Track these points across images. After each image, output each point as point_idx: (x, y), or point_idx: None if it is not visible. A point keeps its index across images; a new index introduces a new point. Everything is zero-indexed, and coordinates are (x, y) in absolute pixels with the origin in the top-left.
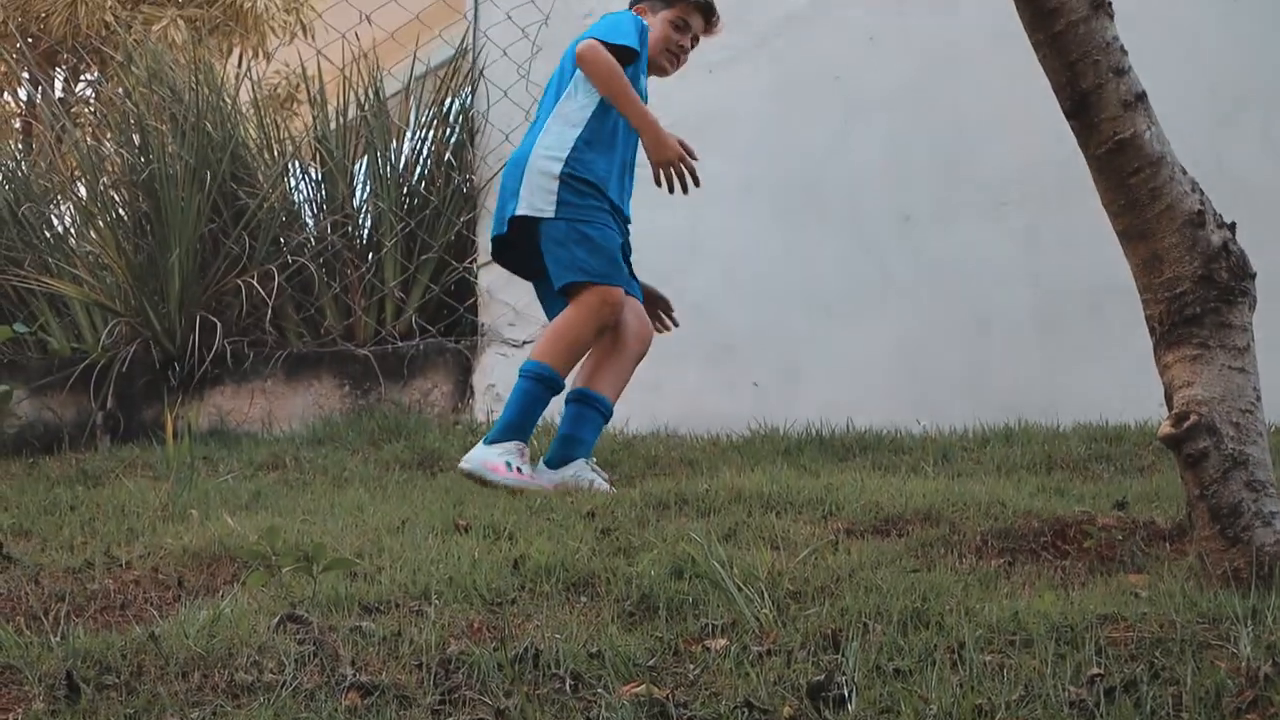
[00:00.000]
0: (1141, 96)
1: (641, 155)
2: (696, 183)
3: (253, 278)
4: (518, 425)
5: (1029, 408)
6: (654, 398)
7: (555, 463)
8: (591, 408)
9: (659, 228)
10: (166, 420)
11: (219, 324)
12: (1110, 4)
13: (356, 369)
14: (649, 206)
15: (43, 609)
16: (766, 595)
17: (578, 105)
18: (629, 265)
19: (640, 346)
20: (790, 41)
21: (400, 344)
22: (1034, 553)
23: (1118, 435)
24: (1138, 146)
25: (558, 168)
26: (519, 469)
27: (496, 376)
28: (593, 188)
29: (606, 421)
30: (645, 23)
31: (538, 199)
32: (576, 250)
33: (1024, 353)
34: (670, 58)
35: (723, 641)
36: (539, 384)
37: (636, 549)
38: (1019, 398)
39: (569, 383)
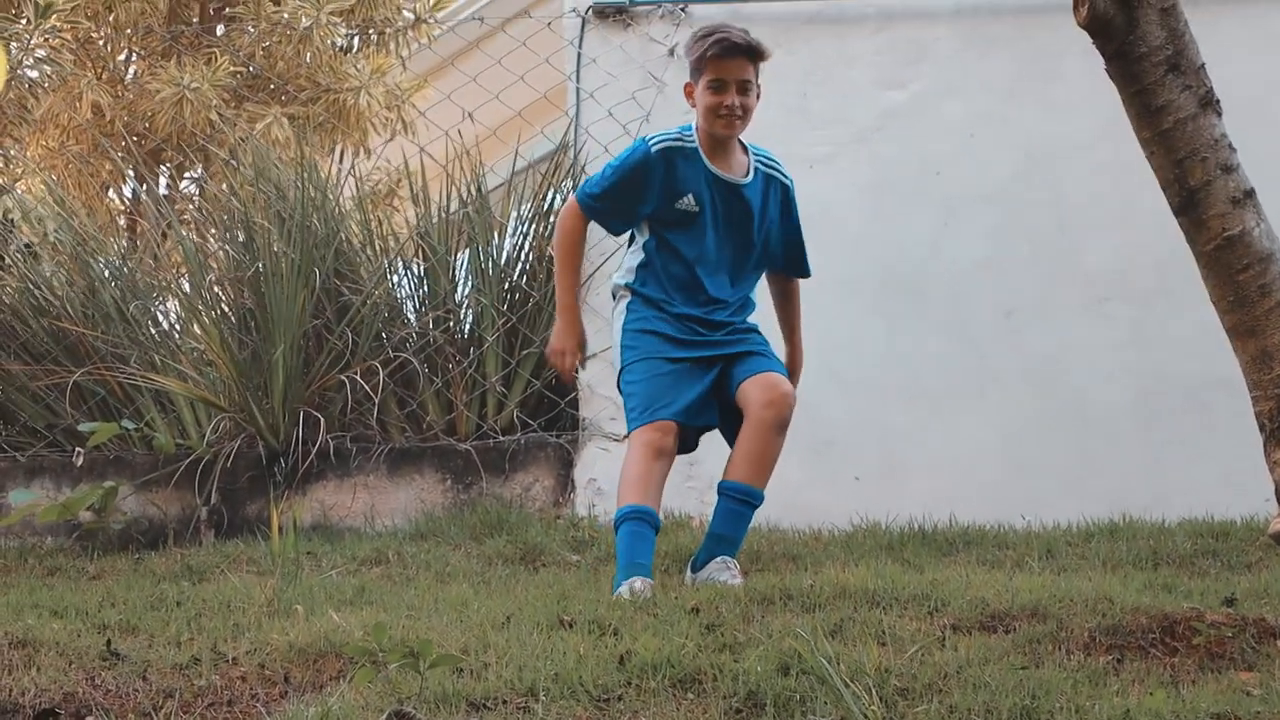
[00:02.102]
0: (1250, 193)
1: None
2: (568, 380)
3: (356, 373)
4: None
5: (1133, 503)
6: None
7: (698, 564)
8: (724, 498)
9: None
10: (271, 515)
11: (322, 419)
12: (1218, 101)
13: (458, 463)
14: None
15: (152, 705)
16: (874, 692)
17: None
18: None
19: (769, 412)
20: (890, 137)
21: (502, 438)
22: (1143, 649)
23: (1224, 531)
24: (1247, 243)
25: (617, 281)
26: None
27: (598, 471)
28: (660, 285)
29: (750, 507)
30: (648, 145)
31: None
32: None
33: (1127, 447)
34: (721, 123)
35: None
36: (620, 523)
37: (742, 645)
38: (1123, 492)
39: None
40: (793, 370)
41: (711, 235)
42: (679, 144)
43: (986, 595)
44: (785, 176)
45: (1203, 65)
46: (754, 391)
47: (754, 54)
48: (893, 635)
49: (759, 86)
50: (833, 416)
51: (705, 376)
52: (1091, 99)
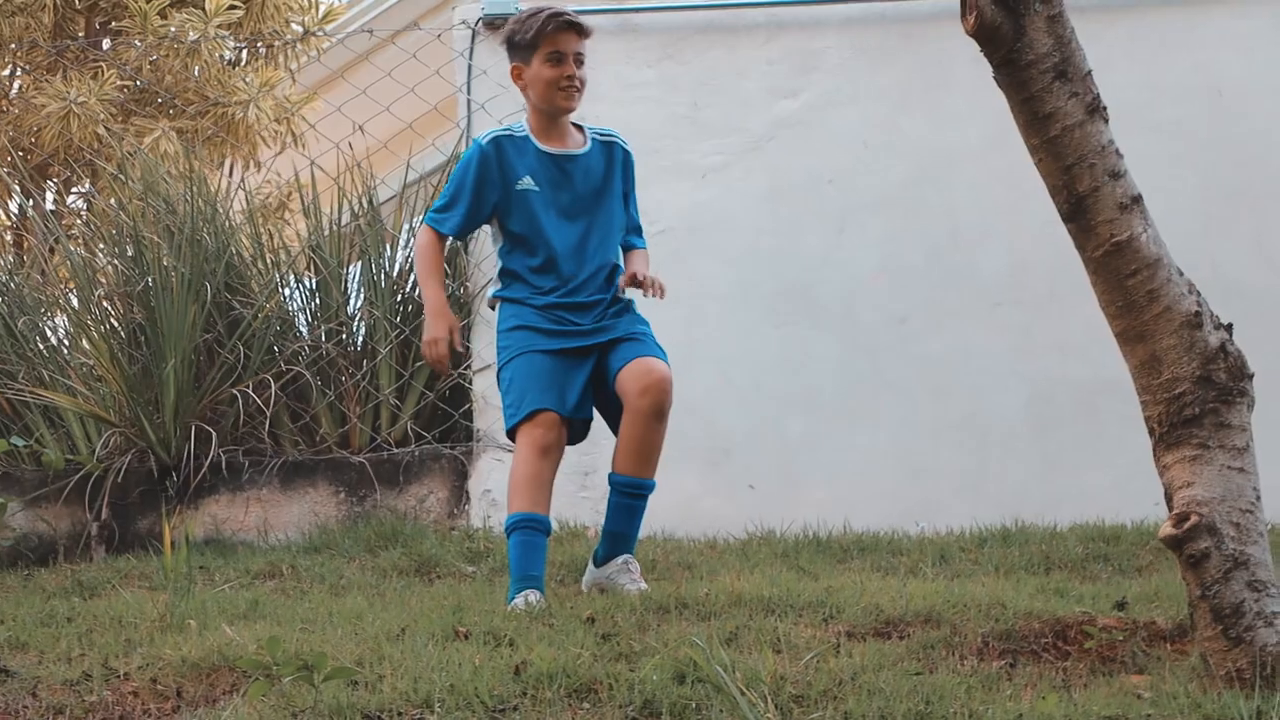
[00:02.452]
0: (1137, 199)
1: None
2: (444, 372)
3: (248, 387)
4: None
5: (1026, 508)
6: (650, 500)
7: (598, 559)
8: (614, 492)
9: (654, 329)
10: (164, 530)
11: (214, 434)
12: (1105, 108)
13: (352, 476)
14: (644, 308)
15: None
16: (770, 700)
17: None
18: (614, 320)
19: (644, 400)
20: (783, 146)
21: (396, 450)
22: (1035, 654)
23: (1115, 535)
24: (1135, 249)
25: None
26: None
27: (492, 482)
28: (521, 281)
29: (641, 498)
30: (478, 141)
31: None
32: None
33: (1020, 453)
34: (562, 95)
35: None
36: (511, 531)
37: (638, 654)
38: (1016, 498)
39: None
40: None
41: (555, 211)
42: (507, 133)
43: (881, 602)
44: (624, 143)
45: (1089, 72)
46: (629, 381)
47: (585, 30)
48: (788, 643)
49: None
50: (728, 425)
51: (583, 366)
52: (981, 107)
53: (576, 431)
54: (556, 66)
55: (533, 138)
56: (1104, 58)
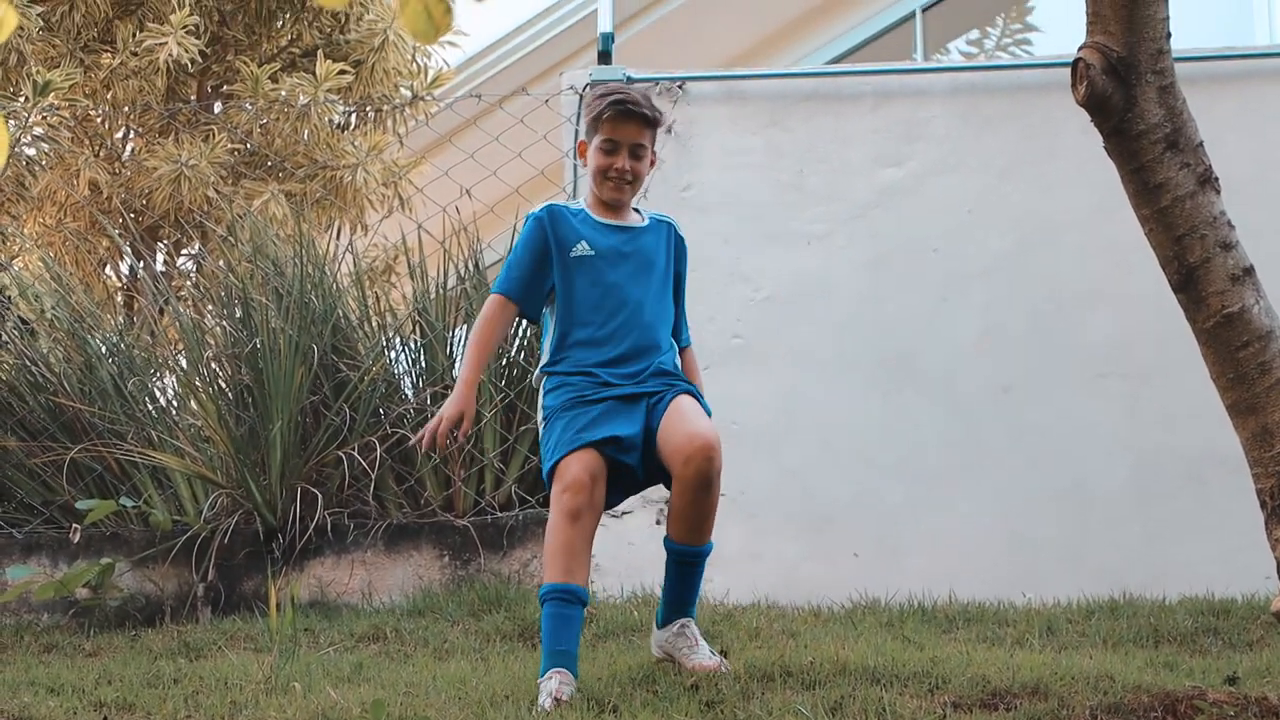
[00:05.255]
0: (1249, 270)
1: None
2: (436, 448)
3: (354, 449)
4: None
5: (1132, 580)
6: (753, 567)
7: (660, 622)
8: (670, 556)
9: (756, 396)
10: (269, 592)
11: (320, 496)
12: (1217, 179)
13: (456, 540)
14: (747, 374)
15: None
16: None
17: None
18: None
19: (689, 470)
20: (887, 214)
21: (500, 514)
22: None
23: (1224, 608)
24: (1246, 320)
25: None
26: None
27: (596, 547)
28: (570, 355)
29: (696, 565)
30: (534, 212)
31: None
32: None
33: (1126, 524)
34: (610, 185)
35: None
36: (543, 602)
37: None
38: (1122, 570)
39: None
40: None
41: (611, 278)
42: (564, 206)
43: (987, 673)
44: (678, 229)
45: (1201, 143)
46: (673, 449)
47: (649, 120)
48: (893, 712)
49: (654, 154)
50: (831, 493)
51: (634, 411)
52: (1087, 176)
53: (617, 486)
54: (608, 156)
55: (589, 210)
56: (1215, 129)
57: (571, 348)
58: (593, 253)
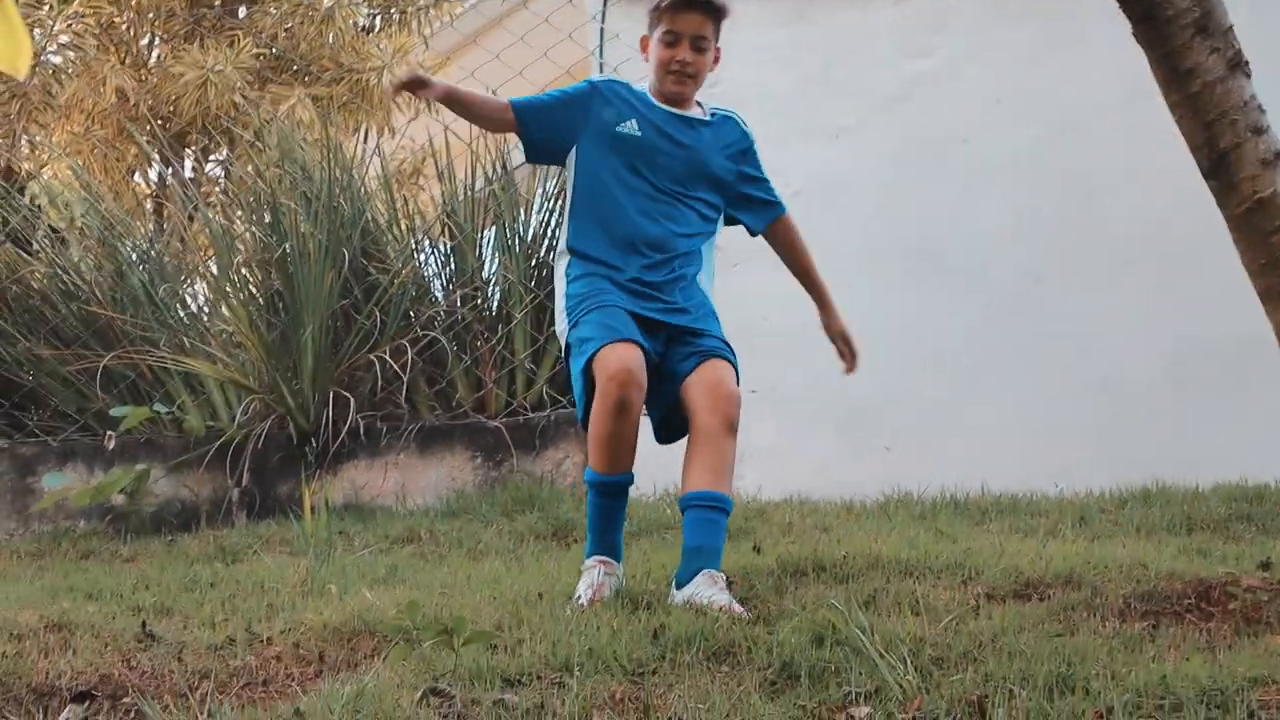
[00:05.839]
0: None
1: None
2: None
3: (385, 352)
4: (592, 540)
5: (1166, 468)
6: (785, 464)
7: (681, 582)
8: (691, 509)
9: (786, 293)
10: (304, 495)
11: (352, 399)
12: (1247, 63)
13: (489, 441)
14: (774, 268)
15: (188, 686)
16: (909, 662)
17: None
18: (681, 335)
19: (714, 419)
20: (914, 106)
21: (532, 415)
22: (1178, 615)
23: (1258, 494)
24: (1278, 205)
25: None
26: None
27: None
28: (593, 261)
29: (721, 512)
30: (595, 79)
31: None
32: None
33: (1159, 412)
34: (672, 78)
35: (866, 709)
36: (591, 490)
37: (776, 617)
38: (1155, 458)
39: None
40: (839, 335)
41: (653, 167)
42: (630, 85)
43: (1020, 564)
44: (744, 125)
45: (1231, 27)
46: (698, 394)
47: (713, 9)
48: (927, 605)
49: (717, 48)
50: (861, 388)
51: (655, 340)
52: (1117, 63)
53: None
54: (669, 48)
55: (650, 95)
56: (1245, 13)
57: (591, 227)
58: (639, 133)
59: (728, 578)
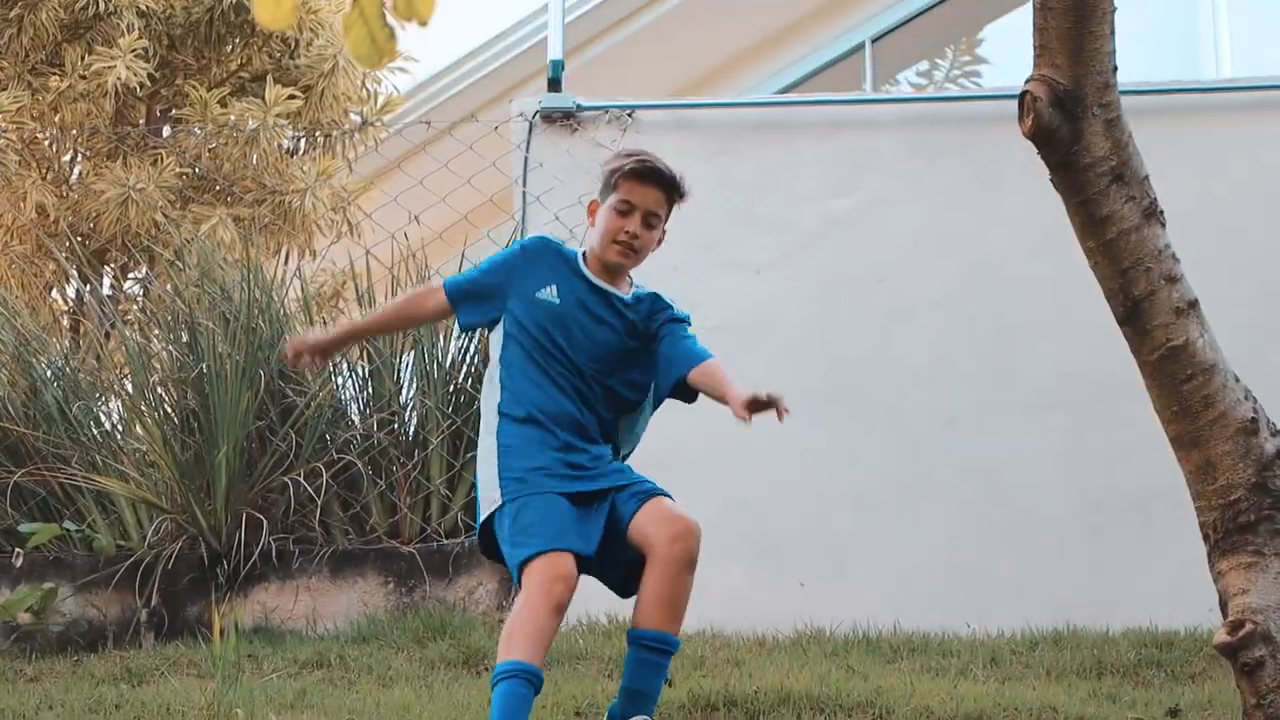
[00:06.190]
0: (1194, 304)
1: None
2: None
3: (299, 475)
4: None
5: (1077, 612)
6: (699, 595)
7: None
8: (638, 647)
9: (705, 423)
10: (213, 617)
11: (265, 521)
12: (1162, 212)
13: (402, 566)
14: (695, 406)
15: None
16: None
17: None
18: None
19: (677, 547)
20: (835, 244)
21: (445, 541)
22: None
23: (1168, 640)
24: (1191, 354)
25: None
26: None
27: None
28: (527, 410)
29: (667, 655)
30: (526, 241)
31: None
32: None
33: (1071, 555)
34: (616, 249)
35: None
36: (501, 679)
37: None
38: (1067, 601)
39: None
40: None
41: (569, 341)
42: (560, 245)
43: (931, 703)
44: (670, 303)
45: (1146, 176)
46: (654, 527)
47: (673, 189)
48: None
49: (665, 231)
50: (779, 522)
51: (600, 511)
52: (1035, 208)
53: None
54: (621, 217)
55: (582, 264)
56: (1160, 163)
57: (524, 399)
58: (558, 301)
59: None
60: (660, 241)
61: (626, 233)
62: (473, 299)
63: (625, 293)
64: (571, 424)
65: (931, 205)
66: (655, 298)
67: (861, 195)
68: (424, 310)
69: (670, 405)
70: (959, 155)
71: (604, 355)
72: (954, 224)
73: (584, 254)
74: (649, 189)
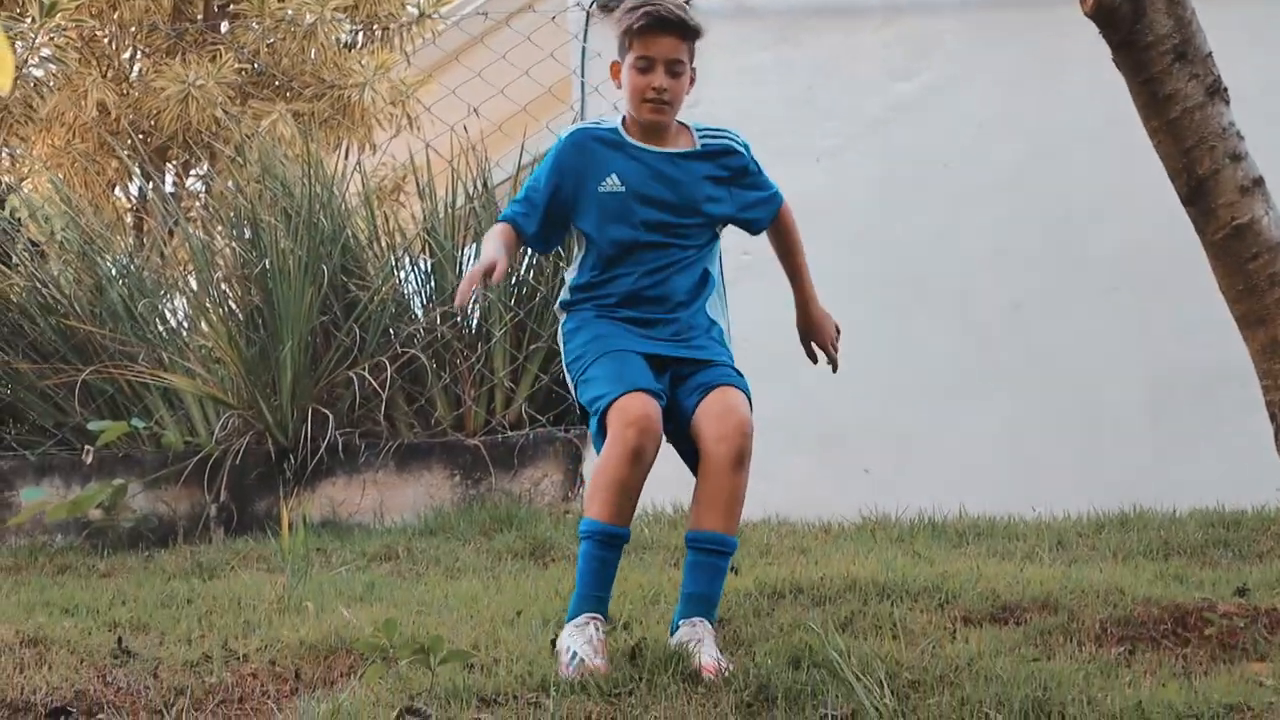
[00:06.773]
0: (1259, 181)
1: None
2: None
3: (364, 369)
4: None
5: (1143, 493)
6: (764, 486)
7: (678, 624)
8: (694, 550)
9: (767, 314)
10: (281, 512)
11: (330, 416)
12: (1226, 90)
13: (467, 459)
14: (758, 293)
15: (163, 703)
16: (886, 685)
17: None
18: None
19: (722, 448)
20: (898, 130)
21: (510, 434)
22: (1154, 641)
23: (1235, 520)
24: (1256, 232)
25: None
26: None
27: None
28: (593, 293)
29: (725, 557)
30: (564, 139)
31: None
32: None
33: (1137, 438)
34: (649, 107)
35: None
36: (584, 539)
37: (753, 639)
38: (1133, 484)
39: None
40: (814, 324)
41: (644, 210)
42: (595, 129)
43: (997, 587)
44: (737, 142)
45: (1210, 54)
46: (705, 423)
47: (686, 30)
48: (904, 628)
49: (693, 70)
50: (841, 411)
51: (660, 379)
52: (1098, 89)
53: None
54: (643, 75)
55: (626, 134)
56: (1223, 43)
57: (595, 287)
58: (623, 189)
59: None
60: (693, 81)
61: (654, 89)
62: (541, 226)
63: (684, 145)
64: (653, 299)
65: (995, 88)
66: (726, 146)
67: (923, 80)
68: (510, 237)
69: (732, 296)
70: (1022, 37)
71: (678, 208)
72: (1018, 107)
73: (624, 119)
74: (662, 39)
